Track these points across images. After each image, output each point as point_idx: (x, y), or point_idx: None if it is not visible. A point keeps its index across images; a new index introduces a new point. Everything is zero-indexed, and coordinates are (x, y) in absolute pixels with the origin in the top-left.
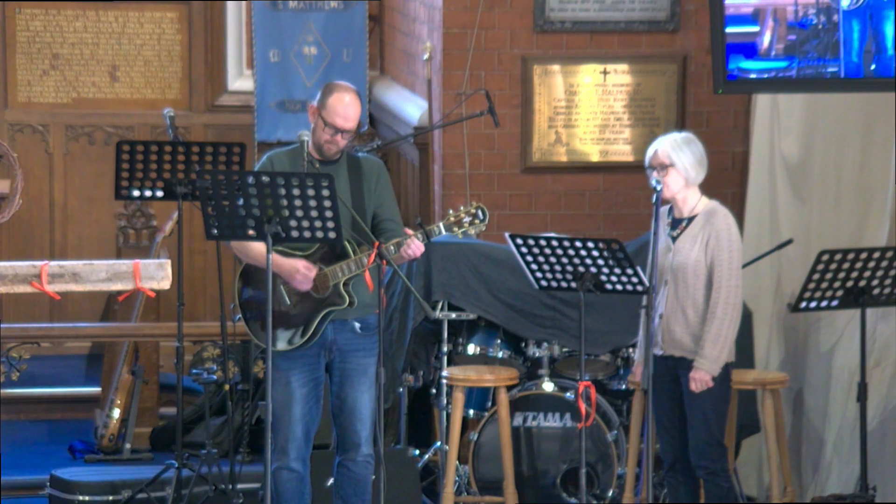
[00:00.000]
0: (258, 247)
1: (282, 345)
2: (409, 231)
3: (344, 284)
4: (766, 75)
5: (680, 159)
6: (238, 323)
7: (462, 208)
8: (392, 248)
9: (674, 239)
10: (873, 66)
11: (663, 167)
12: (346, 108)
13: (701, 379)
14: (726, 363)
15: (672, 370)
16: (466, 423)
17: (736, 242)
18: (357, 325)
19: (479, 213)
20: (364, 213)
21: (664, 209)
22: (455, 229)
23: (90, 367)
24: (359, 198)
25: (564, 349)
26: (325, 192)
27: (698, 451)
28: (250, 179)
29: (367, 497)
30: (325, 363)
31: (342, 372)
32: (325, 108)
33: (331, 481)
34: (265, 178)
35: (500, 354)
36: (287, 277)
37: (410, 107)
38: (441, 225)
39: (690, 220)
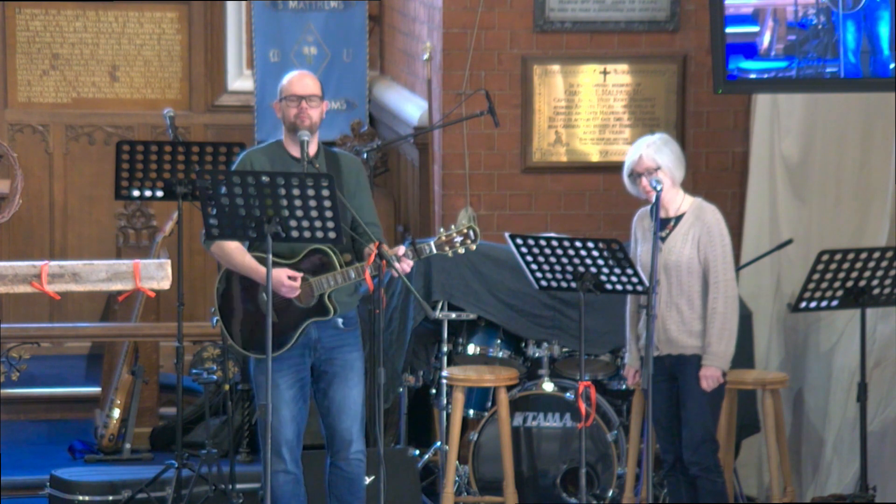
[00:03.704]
0: (238, 255)
1: (263, 352)
2: (400, 249)
3: (328, 295)
4: (766, 75)
5: (665, 161)
6: (217, 326)
7: (454, 227)
8: (391, 257)
9: (663, 238)
10: (871, 67)
11: (650, 171)
12: (299, 78)
13: (712, 376)
14: None
15: (668, 369)
16: (466, 423)
17: (726, 237)
18: (339, 321)
19: (471, 232)
20: (344, 214)
21: (644, 210)
22: (446, 248)
23: (90, 367)
24: None
25: (564, 349)
26: (325, 193)
27: (692, 448)
28: (250, 179)
29: (362, 495)
30: (310, 363)
31: (329, 370)
32: (280, 91)
33: None
34: (265, 178)
35: (500, 354)
36: (274, 289)
37: (410, 107)
38: (432, 244)
39: (678, 218)
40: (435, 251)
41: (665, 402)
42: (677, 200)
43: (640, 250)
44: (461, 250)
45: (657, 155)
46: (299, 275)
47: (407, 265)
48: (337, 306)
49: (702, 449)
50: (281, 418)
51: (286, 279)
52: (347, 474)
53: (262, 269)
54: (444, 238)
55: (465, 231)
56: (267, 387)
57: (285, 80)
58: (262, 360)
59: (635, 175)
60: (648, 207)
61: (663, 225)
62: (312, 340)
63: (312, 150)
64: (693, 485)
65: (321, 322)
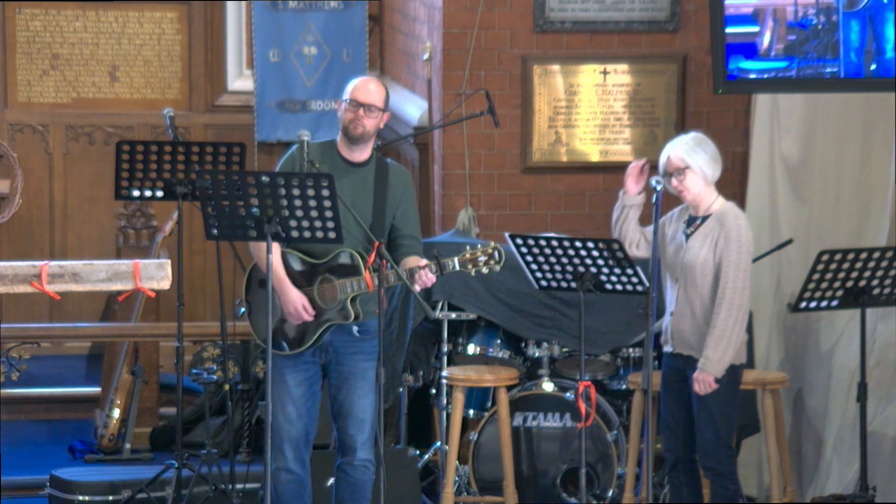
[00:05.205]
0: (273, 258)
1: (280, 349)
2: (423, 262)
3: (351, 299)
4: (766, 75)
5: (694, 160)
6: (240, 320)
7: (479, 247)
8: (405, 273)
9: (686, 237)
10: (873, 67)
11: (680, 171)
12: (364, 84)
13: (704, 380)
14: (735, 365)
15: (681, 369)
16: (466, 423)
17: (746, 244)
18: (355, 328)
19: (496, 254)
20: (383, 221)
21: (678, 208)
22: (469, 266)
23: (90, 367)
24: (381, 204)
25: (564, 349)
26: (325, 193)
27: (705, 453)
28: (250, 179)
29: (366, 503)
30: (322, 364)
31: (339, 375)
32: (345, 92)
33: (331, 481)
34: (265, 178)
35: (500, 354)
36: (282, 304)
37: (410, 107)
38: (456, 261)
39: (704, 219)
40: (458, 268)
41: (674, 402)
42: (707, 201)
43: (667, 249)
44: (484, 270)
45: (685, 154)
46: (313, 311)
47: (430, 279)
48: (360, 312)
49: (715, 454)
50: (286, 416)
51: (300, 307)
52: (352, 479)
53: (288, 287)
54: (468, 256)
55: (490, 252)
56: (268, 385)
57: (351, 82)
58: (274, 357)
59: (667, 176)
60: (681, 207)
61: (690, 223)
62: (325, 342)
63: (365, 156)
64: (696, 485)
65: (336, 327)
